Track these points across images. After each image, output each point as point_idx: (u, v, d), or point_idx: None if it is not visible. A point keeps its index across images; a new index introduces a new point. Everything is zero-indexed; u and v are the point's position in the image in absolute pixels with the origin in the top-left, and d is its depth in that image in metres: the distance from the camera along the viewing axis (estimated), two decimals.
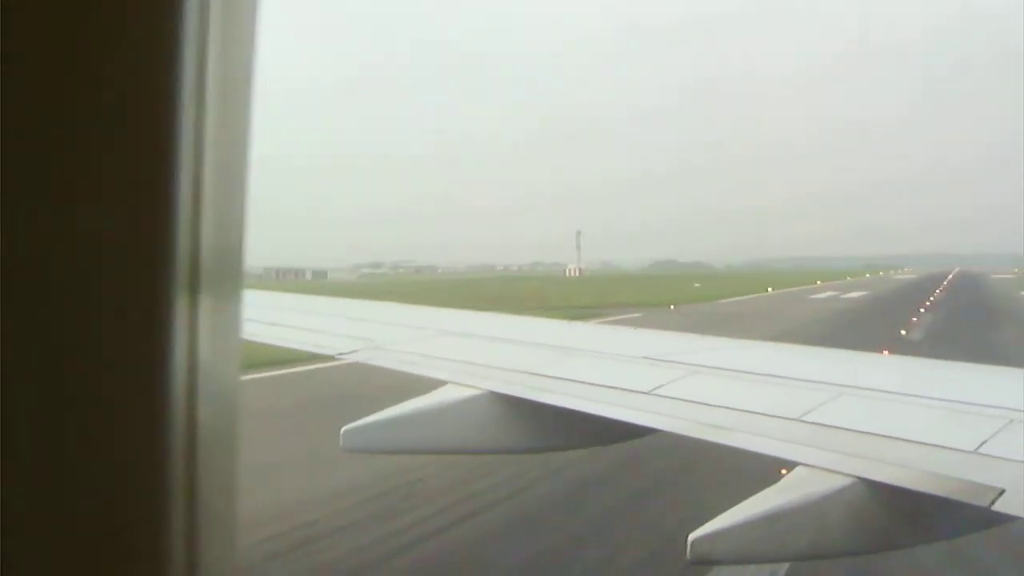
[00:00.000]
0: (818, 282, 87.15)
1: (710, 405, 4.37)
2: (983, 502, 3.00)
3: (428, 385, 5.29)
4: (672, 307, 43.95)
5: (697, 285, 75.74)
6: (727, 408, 4.30)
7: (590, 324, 17.25)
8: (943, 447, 3.48)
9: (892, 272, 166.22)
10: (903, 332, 28.73)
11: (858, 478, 3.42)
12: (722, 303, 51.14)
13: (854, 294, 62.55)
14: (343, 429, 4.94)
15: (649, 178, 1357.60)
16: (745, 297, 58.02)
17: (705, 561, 3.55)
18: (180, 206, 0.63)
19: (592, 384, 5.00)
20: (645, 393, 4.68)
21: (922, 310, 41.49)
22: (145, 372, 0.64)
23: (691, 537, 3.39)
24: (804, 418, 3.99)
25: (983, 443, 3.42)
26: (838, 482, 3.44)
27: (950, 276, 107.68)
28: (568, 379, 5.14)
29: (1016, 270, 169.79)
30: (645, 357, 5.55)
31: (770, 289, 68.75)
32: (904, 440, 3.61)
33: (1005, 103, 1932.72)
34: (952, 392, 4.27)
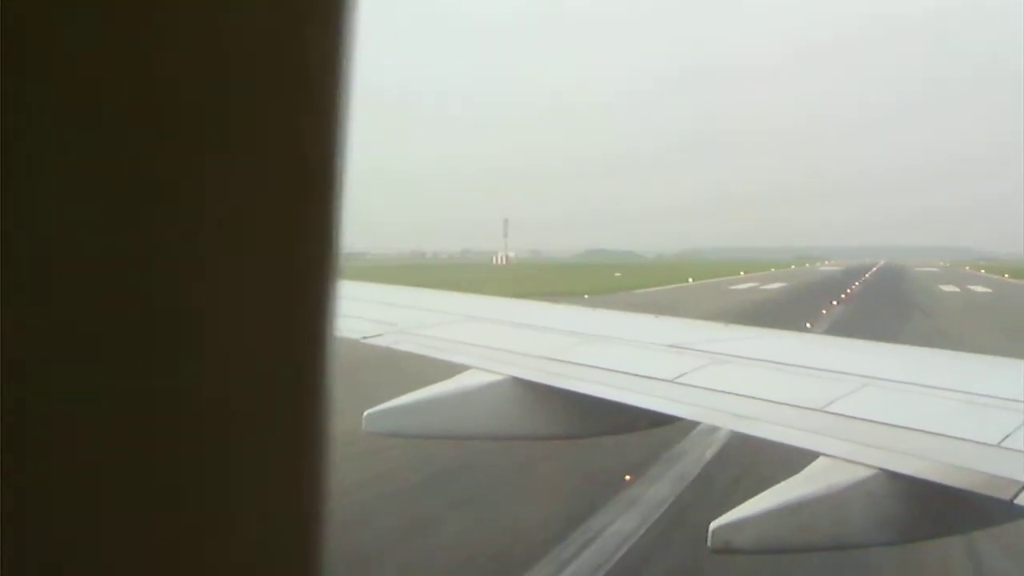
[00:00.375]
0: (742, 272, 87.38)
1: (733, 394, 4.38)
2: (1005, 496, 3.01)
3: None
4: (586, 296, 43.08)
5: (618, 274, 75.15)
6: (750, 397, 4.32)
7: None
8: (966, 440, 3.50)
9: (818, 264, 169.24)
10: (808, 325, 28.83)
11: (880, 469, 3.42)
12: (638, 292, 50.46)
13: (774, 285, 62.36)
14: (365, 413, 5.04)
15: (582, 165, 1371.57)
16: (663, 287, 57.34)
17: (726, 549, 3.53)
18: (334, 197, 0.63)
19: (615, 371, 5.00)
20: (668, 381, 4.67)
21: (835, 303, 41.30)
22: (289, 365, 0.63)
23: (712, 525, 3.42)
24: (827, 408, 4.00)
25: (1006, 436, 3.41)
26: (860, 473, 3.44)
27: (874, 268, 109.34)
28: (591, 366, 5.15)
29: (943, 263, 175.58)
30: (669, 345, 5.58)
31: (691, 279, 68.29)
32: (927, 432, 3.62)
33: (962, 105, 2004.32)
34: (976, 385, 4.25)
